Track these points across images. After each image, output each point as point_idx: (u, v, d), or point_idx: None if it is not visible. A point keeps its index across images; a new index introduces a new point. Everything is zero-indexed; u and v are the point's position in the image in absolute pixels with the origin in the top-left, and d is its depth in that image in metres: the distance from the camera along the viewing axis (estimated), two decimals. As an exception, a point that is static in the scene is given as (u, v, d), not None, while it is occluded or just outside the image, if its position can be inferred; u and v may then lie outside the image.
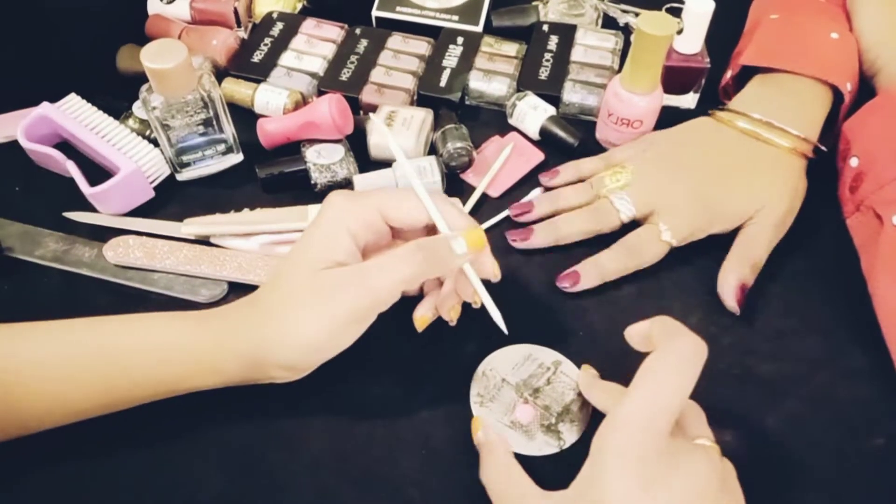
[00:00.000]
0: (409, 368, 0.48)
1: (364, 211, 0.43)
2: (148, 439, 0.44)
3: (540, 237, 0.53)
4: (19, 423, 0.41)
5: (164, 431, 0.44)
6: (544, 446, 0.44)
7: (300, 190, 0.58)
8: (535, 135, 0.62)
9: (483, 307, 0.45)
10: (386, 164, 0.58)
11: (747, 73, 0.61)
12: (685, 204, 0.53)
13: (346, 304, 0.40)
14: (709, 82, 0.64)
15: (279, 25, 0.69)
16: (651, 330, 0.39)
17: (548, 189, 0.58)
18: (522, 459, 0.42)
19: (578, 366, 0.47)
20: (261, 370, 0.42)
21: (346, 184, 0.58)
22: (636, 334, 0.41)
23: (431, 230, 0.45)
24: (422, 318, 0.46)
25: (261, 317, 0.42)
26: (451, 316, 0.46)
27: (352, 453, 0.44)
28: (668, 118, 0.61)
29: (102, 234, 0.55)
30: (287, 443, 0.44)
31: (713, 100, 0.65)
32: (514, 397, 0.46)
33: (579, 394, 0.46)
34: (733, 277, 0.51)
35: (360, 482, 0.43)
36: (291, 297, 0.41)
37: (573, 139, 0.60)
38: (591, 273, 0.51)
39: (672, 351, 0.36)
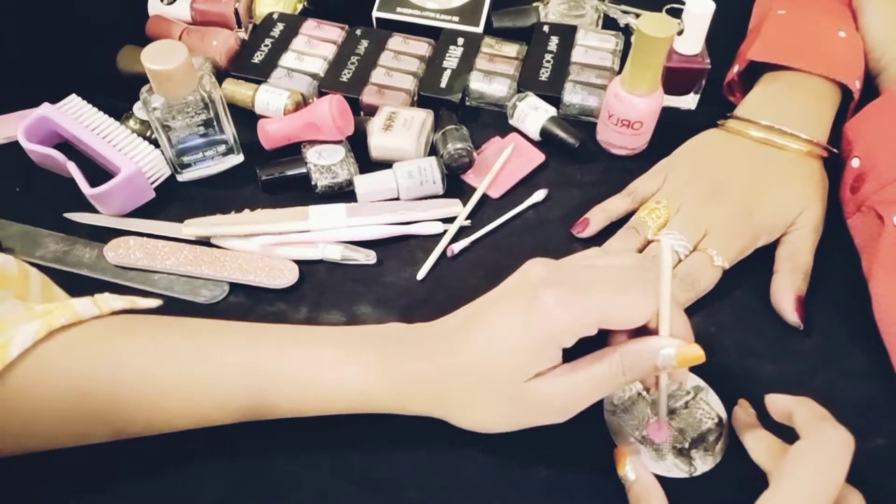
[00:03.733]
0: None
1: (583, 324, 0.38)
2: (147, 439, 0.44)
3: None
4: (113, 431, 0.41)
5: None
6: (674, 468, 0.43)
7: (301, 191, 0.58)
8: (535, 135, 0.62)
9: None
10: (386, 164, 0.58)
11: (752, 69, 0.61)
12: (729, 225, 0.52)
13: (535, 422, 0.40)
14: (709, 83, 0.64)
15: (280, 26, 0.70)
16: (794, 410, 0.39)
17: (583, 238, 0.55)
18: None
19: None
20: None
21: (347, 185, 0.58)
22: (777, 406, 0.40)
23: (638, 331, 0.41)
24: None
25: (447, 403, 0.41)
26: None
27: (352, 453, 0.44)
28: (669, 119, 0.61)
29: (103, 235, 0.55)
30: (287, 443, 0.44)
31: (714, 101, 0.65)
32: (649, 413, 0.45)
33: (717, 424, 0.45)
34: (790, 292, 0.50)
35: (360, 482, 0.43)
36: (480, 401, 0.40)
37: (574, 140, 0.60)
38: None
39: (822, 440, 0.36)
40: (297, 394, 0.41)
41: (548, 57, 0.67)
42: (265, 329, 0.43)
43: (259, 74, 0.65)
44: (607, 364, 0.38)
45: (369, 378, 0.40)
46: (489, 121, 0.65)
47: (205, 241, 0.55)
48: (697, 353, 0.38)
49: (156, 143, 0.58)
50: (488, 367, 0.39)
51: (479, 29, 0.70)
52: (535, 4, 0.73)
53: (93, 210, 0.57)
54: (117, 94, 0.62)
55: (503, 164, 0.60)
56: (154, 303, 0.44)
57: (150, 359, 0.40)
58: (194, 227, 0.55)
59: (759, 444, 0.41)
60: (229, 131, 0.59)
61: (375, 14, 0.71)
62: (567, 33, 0.69)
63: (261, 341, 0.42)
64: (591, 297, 0.38)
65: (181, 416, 0.41)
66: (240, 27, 0.70)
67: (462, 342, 0.40)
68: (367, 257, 0.54)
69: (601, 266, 0.40)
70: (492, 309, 0.40)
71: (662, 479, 0.41)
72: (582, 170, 0.61)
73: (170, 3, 0.70)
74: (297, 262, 0.54)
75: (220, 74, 0.66)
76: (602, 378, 0.38)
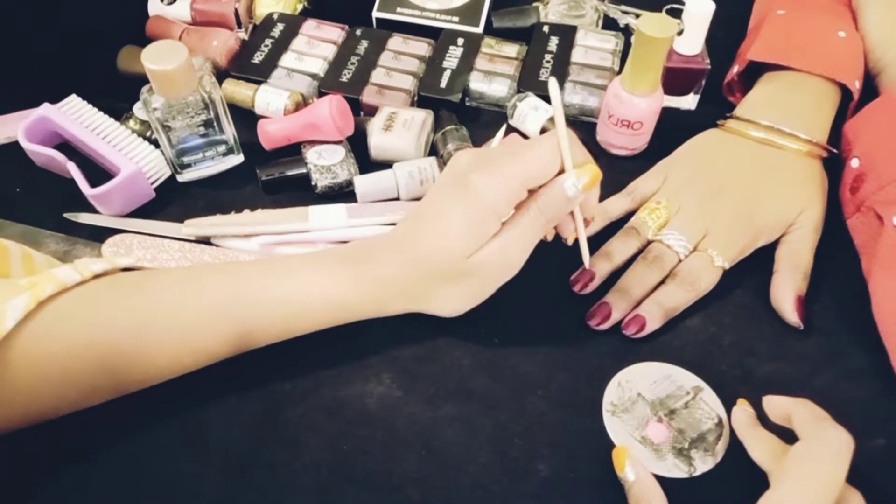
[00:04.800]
0: (409, 368, 0.48)
1: (511, 190, 0.43)
2: (148, 439, 0.44)
3: (619, 311, 0.50)
4: (139, 377, 0.43)
5: (165, 431, 0.44)
6: (673, 469, 0.43)
7: (301, 191, 0.58)
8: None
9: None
10: (386, 165, 0.58)
11: (752, 69, 0.61)
12: (729, 225, 0.52)
13: (492, 287, 0.46)
14: (709, 83, 0.64)
15: (280, 26, 0.70)
16: (792, 411, 0.40)
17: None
18: None
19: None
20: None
21: (347, 185, 0.58)
22: (775, 408, 0.42)
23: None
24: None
25: (416, 295, 0.46)
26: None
27: (352, 453, 0.44)
28: (669, 119, 0.61)
29: (103, 236, 0.55)
30: (287, 443, 0.44)
31: (714, 101, 0.65)
32: (648, 414, 0.45)
33: (717, 424, 0.45)
34: (790, 292, 0.50)
35: (360, 482, 0.43)
36: (442, 285, 0.45)
37: (573, 140, 0.60)
38: (655, 314, 0.49)
39: (822, 441, 0.37)
40: (282, 313, 0.44)
41: (548, 57, 0.67)
42: (242, 264, 0.47)
43: (259, 75, 0.65)
44: (526, 210, 0.44)
45: (346, 287, 0.45)
46: (489, 121, 0.65)
47: (205, 241, 0.55)
48: (591, 169, 0.43)
49: (156, 144, 0.58)
50: (440, 253, 0.44)
51: (479, 29, 0.70)
52: (535, 4, 0.73)
53: (93, 210, 0.57)
54: (117, 95, 0.62)
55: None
56: (130, 260, 0.47)
57: (142, 305, 0.42)
58: (194, 227, 0.55)
59: (759, 445, 0.42)
60: (229, 131, 0.59)
61: (375, 14, 0.71)
62: (567, 33, 0.69)
63: (241, 274, 0.45)
64: (510, 165, 0.43)
65: (178, 356, 0.43)
66: (240, 27, 0.70)
67: (415, 237, 0.45)
68: (367, 257, 0.54)
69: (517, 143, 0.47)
70: (434, 203, 0.45)
71: (662, 480, 0.41)
72: (582, 170, 0.61)
73: (170, 4, 0.71)
74: (297, 262, 0.54)
75: (220, 75, 0.66)
76: (526, 225, 0.44)
